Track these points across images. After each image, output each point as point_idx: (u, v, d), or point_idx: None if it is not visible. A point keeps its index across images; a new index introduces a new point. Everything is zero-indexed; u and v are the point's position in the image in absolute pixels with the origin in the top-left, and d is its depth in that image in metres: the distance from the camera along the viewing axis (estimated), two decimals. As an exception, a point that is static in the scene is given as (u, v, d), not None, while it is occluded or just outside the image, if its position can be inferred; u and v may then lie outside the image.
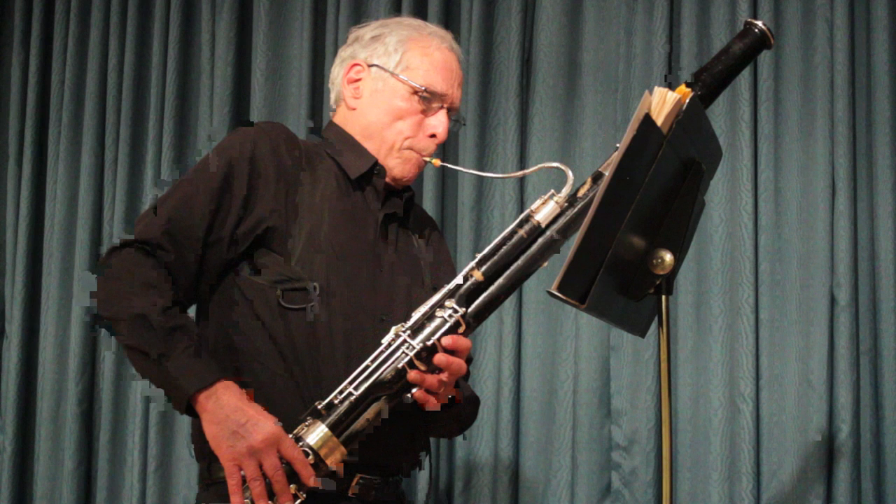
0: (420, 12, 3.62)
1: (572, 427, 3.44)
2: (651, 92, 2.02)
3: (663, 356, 2.04)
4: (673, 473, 2.43)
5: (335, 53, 2.52)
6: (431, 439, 3.46)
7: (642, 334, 2.28)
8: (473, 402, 2.48)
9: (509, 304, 3.44)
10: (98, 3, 3.99)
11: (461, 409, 2.34)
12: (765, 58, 3.38)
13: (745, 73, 3.36)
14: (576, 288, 1.92)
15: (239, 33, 3.84)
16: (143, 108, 3.93)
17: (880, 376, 3.27)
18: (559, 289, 1.89)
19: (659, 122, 2.01)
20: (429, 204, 3.53)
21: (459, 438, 3.47)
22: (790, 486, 3.28)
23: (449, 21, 3.65)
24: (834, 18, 3.35)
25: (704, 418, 3.35)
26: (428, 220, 2.60)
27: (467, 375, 2.30)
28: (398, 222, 2.41)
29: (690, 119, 2.06)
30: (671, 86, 2.10)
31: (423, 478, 3.43)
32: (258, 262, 2.22)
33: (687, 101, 2.05)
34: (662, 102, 2.02)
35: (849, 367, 3.23)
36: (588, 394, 3.43)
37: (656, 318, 2.08)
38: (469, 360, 2.29)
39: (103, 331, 3.15)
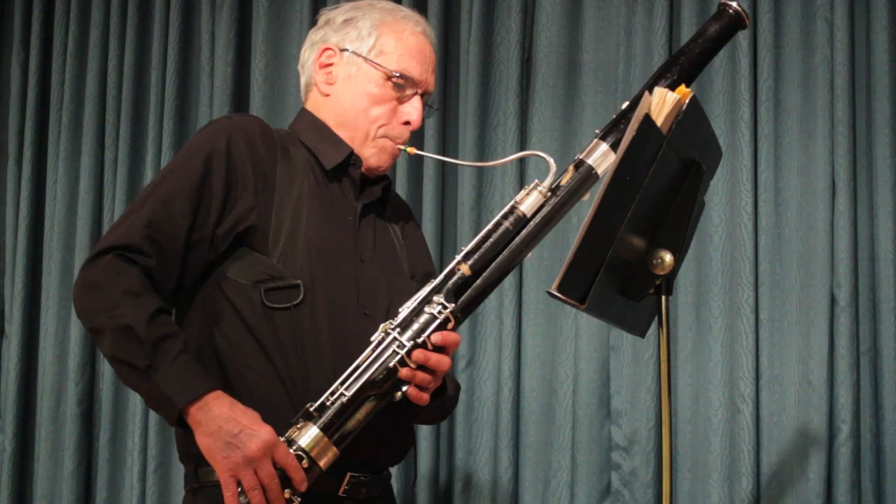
0: (420, 12, 3.61)
1: (572, 427, 3.44)
2: (651, 92, 2.03)
3: (663, 356, 2.04)
4: (673, 474, 2.43)
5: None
6: (431, 442, 3.47)
7: (642, 334, 2.29)
8: (456, 389, 2.45)
9: (509, 304, 3.44)
10: (98, 3, 3.99)
11: (446, 397, 2.33)
12: (765, 58, 3.38)
13: (746, 74, 3.37)
14: (576, 288, 1.92)
15: (238, 33, 3.84)
16: (143, 108, 3.93)
17: (880, 376, 3.27)
18: (559, 289, 1.89)
19: (659, 122, 2.01)
20: (429, 204, 3.53)
21: (459, 439, 3.47)
22: (790, 487, 3.28)
23: (449, 21, 3.65)
24: (834, 18, 3.35)
25: (704, 418, 3.35)
26: (403, 206, 2.57)
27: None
28: (375, 212, 2.38)
29: (690, 119, 2.07)
30: (671, 86, 2.10)
31: (419, 473, 3.43)
32: (239, 262, 2.19)
33: (686, 101, 2.05)
34: (662, 103, 2.03)
35: (849, 367, 3.23)
36: (588, 394, 3.43)
37: (656, 319, 2.09)
38: None
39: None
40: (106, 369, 3.81)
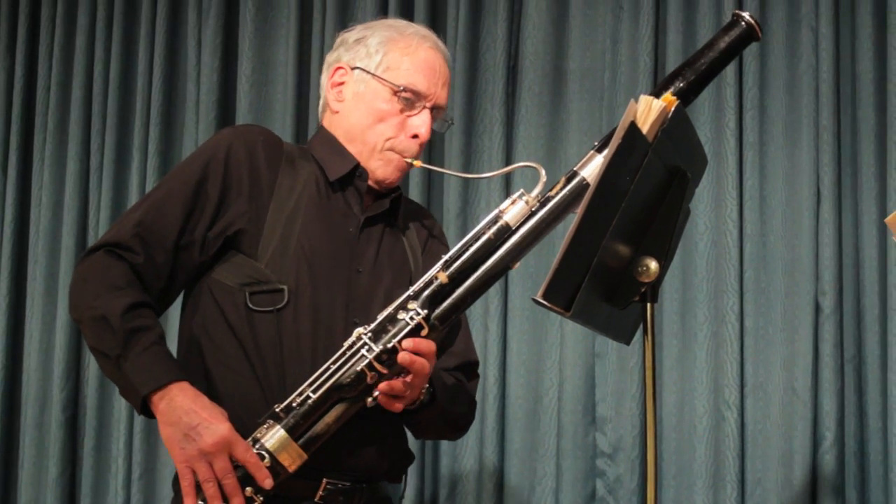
0: (406, 17, 3.61)
1: (557, 434, 3.43)
2: (636, 100, 2.03)
3: (648, 364, 2.04)
4: (657, 481, 2.43)
5: (321, 60, 2.54)
6: (416, 449, 3.46)
7: (627, 342, 2.28)
8: (463, 402, 2.42)
9: (494, 311, 3.44)
10: (84, 8, 3.98)
11: (444, 408, 2.31)
12: (750, 66, 3.39)
13: (731, 82, 3.38)
14: (561, 295, 1.92)
15: (225, 40, 3.83)
16: (129, 114, 3.92)
17: (864, 384, 3.28)
18: (544, 296, 1.89)
19: (644, 130, 2.01)
20: (415, 211, 3.53)
21: (444, 445, 3.47)
22: (774, 494, 3.28)
23: (435, 28, 3.63)
24: (819, 27, 3.36)
25: (689, 426, 3.36)
26: (430, 222, 2.56)
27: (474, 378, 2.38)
28: (386, 224, 2.39)
29: (676, 127, 2.06)
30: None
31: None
32: (227, 265, 2.23)
33: (672, 109, 2.06)
34: (648, 110, 2.03)
35: (833, 374, 3.24)
36: (573, 401, 3.43)
37: (641, 326, 2.08)
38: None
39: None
40: (91, 375, 3.81)
